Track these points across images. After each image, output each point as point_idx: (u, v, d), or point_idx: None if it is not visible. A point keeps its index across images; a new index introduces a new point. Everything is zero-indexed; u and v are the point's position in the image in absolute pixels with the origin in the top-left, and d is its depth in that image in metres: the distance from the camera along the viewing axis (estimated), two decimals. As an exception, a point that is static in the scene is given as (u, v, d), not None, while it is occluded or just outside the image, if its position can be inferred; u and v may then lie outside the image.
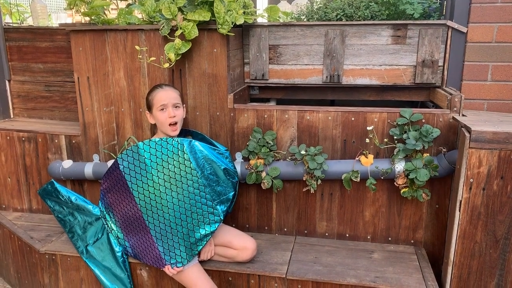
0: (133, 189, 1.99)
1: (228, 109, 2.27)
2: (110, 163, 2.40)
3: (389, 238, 2.28)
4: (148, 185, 1.97)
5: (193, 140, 1.98)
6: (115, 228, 2.12)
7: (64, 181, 2.58)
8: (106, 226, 2.16)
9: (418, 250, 2.23)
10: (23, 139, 2.62)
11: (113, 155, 2.44)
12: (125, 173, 1.98)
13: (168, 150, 1.94)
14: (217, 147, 2.12)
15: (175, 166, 1.94)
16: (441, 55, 2.29)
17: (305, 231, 2.36)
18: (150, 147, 1.95)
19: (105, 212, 2.13)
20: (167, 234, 1.98)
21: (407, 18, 2.38)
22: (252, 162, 2.22)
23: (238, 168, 2.23)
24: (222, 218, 2.01)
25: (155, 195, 1.97)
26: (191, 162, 1.94)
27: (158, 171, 1.95)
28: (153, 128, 2.19)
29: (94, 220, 2.22)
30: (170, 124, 2.04)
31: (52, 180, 2.32)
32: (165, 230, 1.98)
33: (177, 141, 1.94)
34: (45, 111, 2.91)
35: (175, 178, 1.95)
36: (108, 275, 2.17)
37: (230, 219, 2.42)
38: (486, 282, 1.88)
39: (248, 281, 2.09)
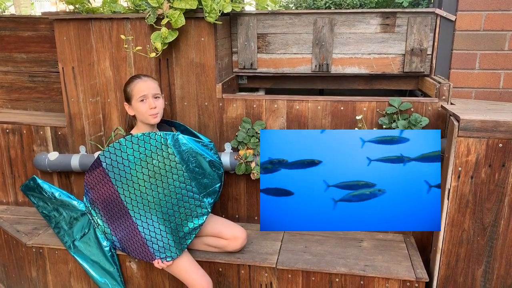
0: (117, 186, 1.95)
1: (217, 99, 2.25)
2: (96, 155, 2.37)
3: (378, 227, 2.29)
4: (133, 182, 1.93)
5: (177, 133, 1.95)
6: (101, 224, 2.08)
7: (50, 174, 2.54)
8: (92, 221, 2.13)
9: (407, 238, 2.24)
10: (7, 131, 2.56)
11: (100, 147, 2.40)
12: (108, 170, 1.94)
13: (151, 145, 1.90)
14: (201, 139, 2.10)
15: (159, 161, 1.91)
16: (429, 43, 2.28)
17: (295, 221, 2.36)
18: (133, 143, 1.90)
19: (90, 208, 2.09)
20: (155, 229, 1.96)
21: (396, 6, 2.37)
22: (242, 152, 2.21)
23: (227, 159, 2.22)
24: (209, 211, 1.99)
25: (141, 191, 1.94)
26: (175, 156, 1.91)
27: (142, 167, 1.91)
28: (130, 121, 2.13)
29: (80, 216, 2.18)
30: (150, 114, 2.00)
31: (34, 176, 2.27)
32: (152, 225, 1.96)
33: (160, 135, 1.90)
34: (30, 102, 2.85)
35: (160, 173, 1.92)
36: (98, 269, 2.15)
37: (220, 209, 2.41)
38: (474, 269, 1.90)
39: (238, 271, 2.09)
